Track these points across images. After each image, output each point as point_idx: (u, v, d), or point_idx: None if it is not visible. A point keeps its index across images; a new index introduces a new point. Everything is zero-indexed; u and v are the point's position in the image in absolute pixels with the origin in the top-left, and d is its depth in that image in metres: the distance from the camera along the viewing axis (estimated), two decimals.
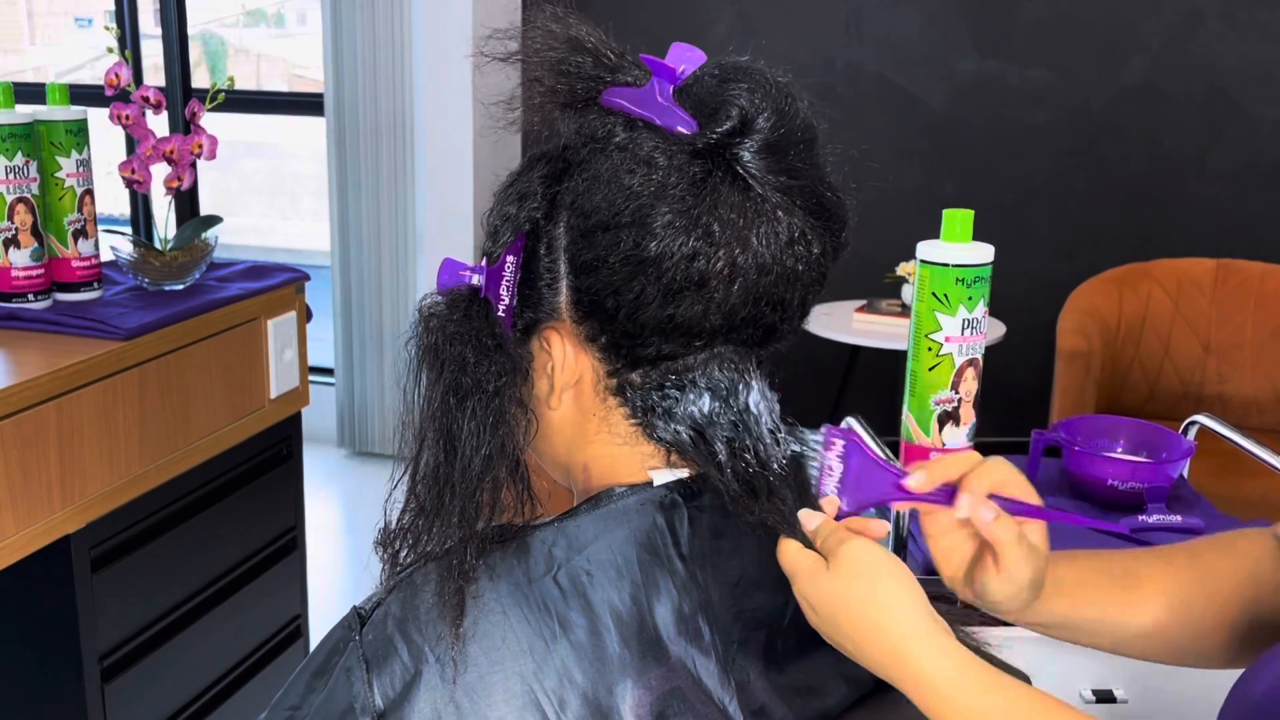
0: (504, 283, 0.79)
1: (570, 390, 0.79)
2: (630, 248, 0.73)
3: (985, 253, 1.52)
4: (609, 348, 0.77)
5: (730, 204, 0.72)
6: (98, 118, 1.81)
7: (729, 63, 0.76)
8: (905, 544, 1.48)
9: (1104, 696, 1.48)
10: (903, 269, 2.94)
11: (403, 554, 0.78)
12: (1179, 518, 1.52)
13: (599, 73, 0.77)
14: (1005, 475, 0.77)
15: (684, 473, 0.79)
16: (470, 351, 0.76)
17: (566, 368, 0.79)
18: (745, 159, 0.73)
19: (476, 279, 0.79)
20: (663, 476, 0.78)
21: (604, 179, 0.74)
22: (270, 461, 2.01)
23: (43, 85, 1.77)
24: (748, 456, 0.76)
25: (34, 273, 1.70)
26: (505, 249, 0.78)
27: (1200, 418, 1.70)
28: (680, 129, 0.73)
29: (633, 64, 0.77)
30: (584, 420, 0.80)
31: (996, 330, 2.93)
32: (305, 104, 4.47)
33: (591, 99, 0.77)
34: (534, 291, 0.78)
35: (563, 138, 0.78)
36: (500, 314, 0.79)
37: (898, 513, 1.46)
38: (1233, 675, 0.84)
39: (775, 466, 0.77)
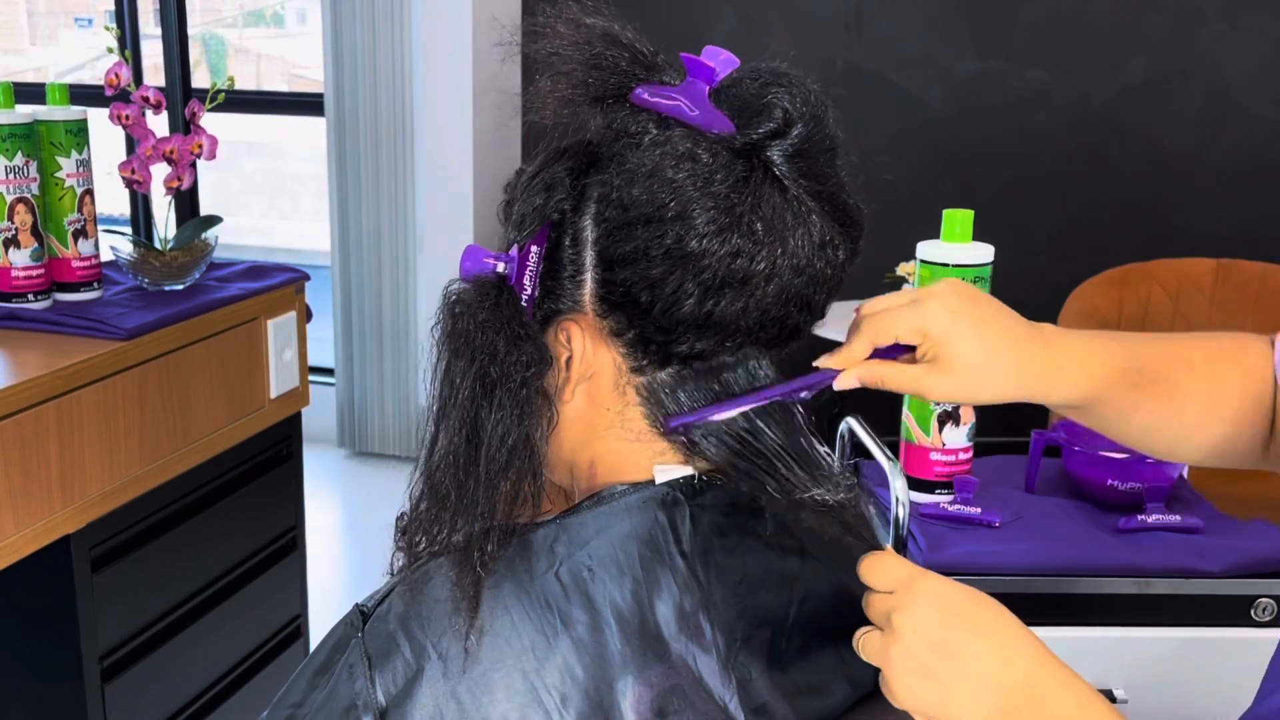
0: (528, 272, 0.78)
1: (585, 384, 0.79)
2: (672, 241, 0.72)
3: (985, 253, 1.52)
4: (637, 343, 0.77)
5: (772, 204, 0.73)
6: (98, 118, 1.81)
7: (767, 67, 0.77)
8: (905, 544, 1.48)
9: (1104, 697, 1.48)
10: (903, 269, 2.94)
11: (420, 543, 0.78)
12: (1178, 518, 1.52)
13: (634, 69, 0.76)
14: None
15: (688, 470, 0.78)
16: (501, 341, 0.76)
17: (584, 361, 0.78)
18: (777, 161, 0.73)
19: (503, 266, 0.79)
20: (665, 474, 0.78)
21: (644, 172, 0.73)
22: (270, 461, 2.01)
23: (43, 85, 1.77)
24: (795, 467, 0.76)
25: (34, 273, 1.70)
26: (530, 239, 0.78)
27: None
28: (717, 129, 0.73)
29: (666, 62, 0.77)
30: (596, 415, 0.80)
31: None
32: (305, 104, 4.47)
33: (622, 95, 0.76)
34: (556, 283, 0.78)
35: (588, 132, 0.78)
36: (523, 304, 0.78)
37: (897, 515, 1.46)
38: (1236, 685, 0.83)
39: (831, 487, 0.77)
